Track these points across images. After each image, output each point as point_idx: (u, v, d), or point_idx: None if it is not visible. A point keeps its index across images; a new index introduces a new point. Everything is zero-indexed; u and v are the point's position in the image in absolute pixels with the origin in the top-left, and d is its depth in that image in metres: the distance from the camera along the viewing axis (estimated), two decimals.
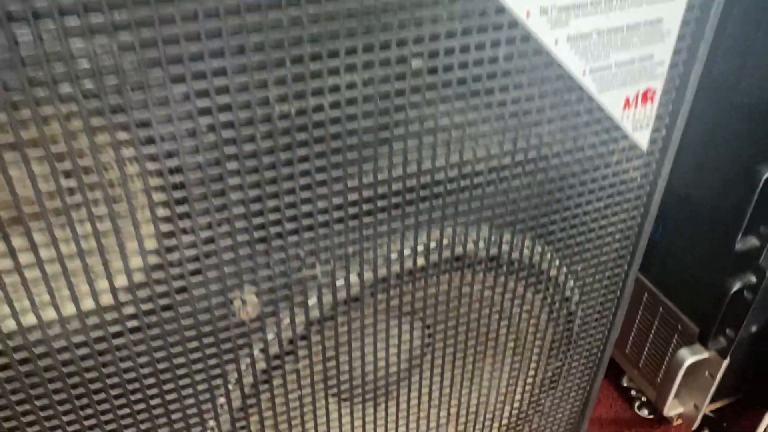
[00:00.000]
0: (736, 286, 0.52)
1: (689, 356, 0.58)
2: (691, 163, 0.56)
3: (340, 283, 0.37)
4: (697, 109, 0.45)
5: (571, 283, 0.46)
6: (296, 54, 0.28)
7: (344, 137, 0.32)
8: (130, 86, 0.26)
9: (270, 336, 0.37)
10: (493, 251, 0.41)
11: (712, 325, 0.56)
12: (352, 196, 0.34)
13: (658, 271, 0.64)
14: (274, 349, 0.37)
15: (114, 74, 0.26)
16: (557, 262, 0.45)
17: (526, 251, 0.42)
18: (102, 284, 0.31)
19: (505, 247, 0.41)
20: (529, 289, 0.45)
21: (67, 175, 0.27)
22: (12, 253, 0.28)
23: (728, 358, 0.58)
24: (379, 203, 0.35)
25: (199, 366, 0.36)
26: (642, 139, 0.40)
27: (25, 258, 0.29)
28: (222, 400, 0.38)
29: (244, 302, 0.35)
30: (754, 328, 0.57)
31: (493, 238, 0.40)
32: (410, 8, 0.29)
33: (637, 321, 0.68)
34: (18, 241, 0.28)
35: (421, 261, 0.38)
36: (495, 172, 0.37)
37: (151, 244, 0.31)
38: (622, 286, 0.49)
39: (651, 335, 0.67)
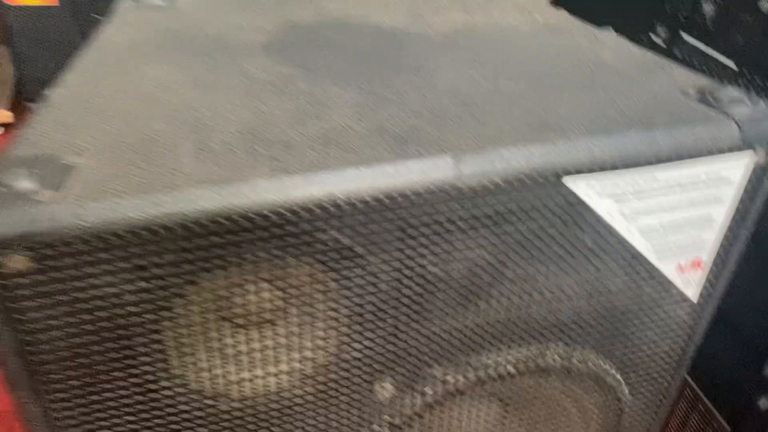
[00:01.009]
0: (763, 404, 0.63)
1: None
2: (734, 296, 0.67)
3: (449, 379, 0.50)
4: (745, 254, 0.56)
5: (625, 389, 0.58)
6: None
7: (470, 295, 0.45)
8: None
9: (396, 412, 0.51)
10: (566, 364, 0.53)
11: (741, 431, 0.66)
12: (468, 324, 0.48)
13: (700, 372, 0.75)
14: (397, 421, 0.51)
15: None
16: (614, 373, 0.57)
17: (590, 364, 0.55)
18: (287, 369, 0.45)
19: (575, 362, 0.54)
20: (590, 391, 0.57)
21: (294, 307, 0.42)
22: (252, 351, 0.43)
23: None
24: (487, 329, 0.48)
25: (347, 430, 0.50)
26: (691, 293, 0.52)
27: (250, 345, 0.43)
28: None
29: (383, 388, 0.49)
30: None
31: (566, 355, 0.53)
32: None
33: (677, 411, 0.79)
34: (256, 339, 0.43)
35: (511, 369, 0.51)
36: (576, 313, 0.50)
37: (332, 349, 0.45)
38: (665, 393, 0.61)
39: (689, 427, 0.77)
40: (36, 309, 0.35)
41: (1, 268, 0.33)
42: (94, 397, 0.40)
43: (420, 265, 0.43)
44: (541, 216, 0.43)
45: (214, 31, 0.53)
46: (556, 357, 0.52)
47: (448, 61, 0.50)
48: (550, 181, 0.42)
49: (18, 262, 0.33)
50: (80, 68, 0.46)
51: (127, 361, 0.40)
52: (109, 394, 0.40)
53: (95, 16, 1.43)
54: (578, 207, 0.44)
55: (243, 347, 0.43)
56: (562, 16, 0.62)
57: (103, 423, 0.41)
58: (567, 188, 0.42)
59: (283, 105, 0.43)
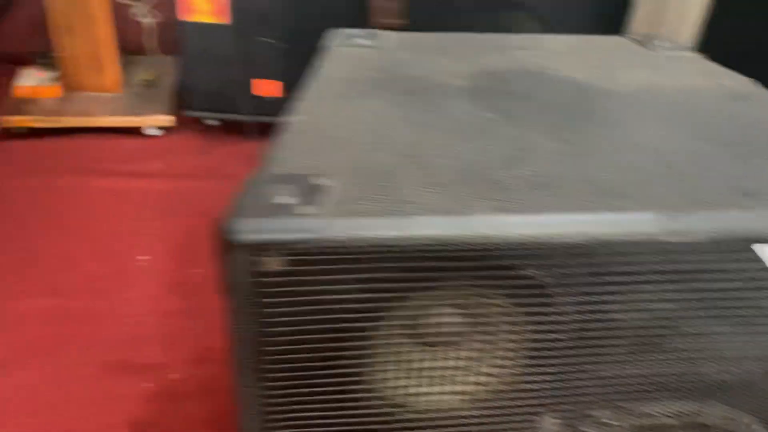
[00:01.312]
0: None
1: None
2: None
3: (610, 423, 0.52)
4: None
5: None
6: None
7: (646, 345, 0.47)
8: None
9: None
10: (727, 425, 0.54)
11: None
12: (637, 371, 0.49)
13: None
14: None
15: None
16: None
17: (750, 428, 0.55)
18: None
19: (735, 424, 0.54)
20: None
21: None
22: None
23: None
24: (654, 379, 0.50)
25: None
26: None
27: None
28: None
29: (546, 422, 0.51)
30: None
31: (727, 416, 0.53)
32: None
33: None
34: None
35: (672, 422, 0.53)
36: (744, 376, 0.51)
37: (506, 377, 0.48)
38: None
39: None
40: (275, 305, 0.41)
41: (260, 267, 0.39)
42: (302, 390, 0.45)
43: (605, 311, 0.45)
44: (726, 277, 0.45)
45: (416, 72, 0.58)
46: (717, 416, 0.53)
47: (641, 118, 0.53)
48: (744, 246, 0.43)
49: (274, 264, 0.39)
50: (310, 98, 0.52)
51: (334, 361, 0.45)
52: (313, 389, 0.45)
53: (261, 38, 1.55)
54: (764, 272, 0.45)
55: (428, 364, 0.47)
56: (746, 81, 0.63)
57: (302, 414, 0.46)
58: (756, 253, 0.44)
59: (490, 147, 0.47)
